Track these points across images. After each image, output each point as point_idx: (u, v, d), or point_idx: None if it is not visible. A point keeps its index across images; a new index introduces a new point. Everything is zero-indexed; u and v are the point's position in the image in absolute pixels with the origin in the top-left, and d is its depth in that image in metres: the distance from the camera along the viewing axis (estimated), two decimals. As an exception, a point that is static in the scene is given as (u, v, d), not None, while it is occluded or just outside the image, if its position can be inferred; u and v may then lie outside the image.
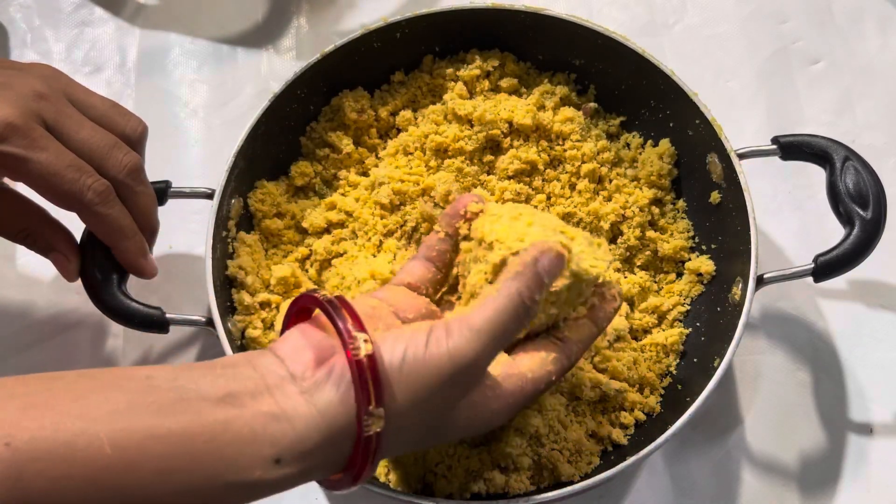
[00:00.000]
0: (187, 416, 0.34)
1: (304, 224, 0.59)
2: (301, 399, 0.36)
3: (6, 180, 0.53)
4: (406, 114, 0.62)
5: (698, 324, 0.57)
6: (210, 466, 0.34)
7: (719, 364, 0.50)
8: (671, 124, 0.60)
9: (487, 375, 0.41)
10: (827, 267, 0.51)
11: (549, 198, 0.59)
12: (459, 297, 0.46)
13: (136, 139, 0.51)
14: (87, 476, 0.32)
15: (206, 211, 0.54)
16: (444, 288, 0.48)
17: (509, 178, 0.59)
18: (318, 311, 0.40)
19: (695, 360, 0.55)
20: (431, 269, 0.46)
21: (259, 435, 0.34)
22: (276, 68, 0.70)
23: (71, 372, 0.35)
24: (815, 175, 0.62)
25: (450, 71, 0.62)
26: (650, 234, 0.59)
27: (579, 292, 0.44)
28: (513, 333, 0.39)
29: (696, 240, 0.59)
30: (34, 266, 0.62)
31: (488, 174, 0.60)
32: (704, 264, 0.57)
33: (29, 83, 0.47)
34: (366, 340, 0.36)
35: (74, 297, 0.60)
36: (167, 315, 0.51)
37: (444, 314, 0.45)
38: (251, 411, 0.35)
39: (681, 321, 0.57)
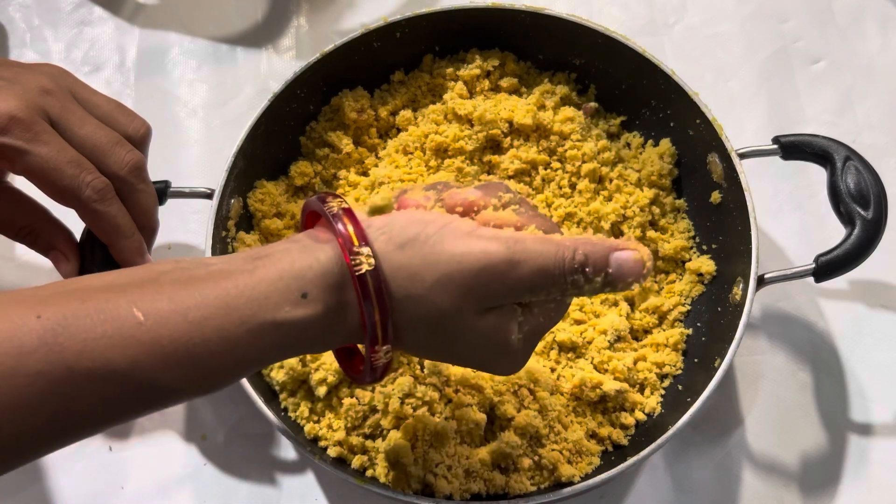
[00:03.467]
0: (214, 271, 0.36)
1: (304, 224, 0.59)
2: (326, 245, 0.37)
3: (8, 178, 0.53)
4: (406, 113, 0.61)
5: (699, 324, 0.56)
6: (242, 307, 0.35)
7: (720, 364, 0.50)
8: (672, 124, 0.59)
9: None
10: (828, 267, 0.51)
11: (549, 203, 0.59)
12: None
13: (139, 139, 0.51)
14: (120, 333, 0.33)
15: (205, 211, 0.54)
16: None
17: (509, 177, 0.59)
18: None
19: (695, 360, 0.55)
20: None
21: (286, 272, 0.36)
22: (275, 68, 0.70)
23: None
24: (815, 175, 0.62)
25: (450, 70, 0.62)
26: (651, 233, 0.59)
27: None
28: (540, 284, 0.38)
29: (697, 240, 0.59)
30: (33, 265, 0.62)
31: (488, 174, 0.60)
32: (705, 264, 0.57)
33: (36, 79, 0.48)
34: (368, 255, 0.37)
35: (74, 297, 0.60)
36: (167, 315, 0.51)
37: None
38: (277, 258, 0.37)
39: (681, 321, 0.57)
